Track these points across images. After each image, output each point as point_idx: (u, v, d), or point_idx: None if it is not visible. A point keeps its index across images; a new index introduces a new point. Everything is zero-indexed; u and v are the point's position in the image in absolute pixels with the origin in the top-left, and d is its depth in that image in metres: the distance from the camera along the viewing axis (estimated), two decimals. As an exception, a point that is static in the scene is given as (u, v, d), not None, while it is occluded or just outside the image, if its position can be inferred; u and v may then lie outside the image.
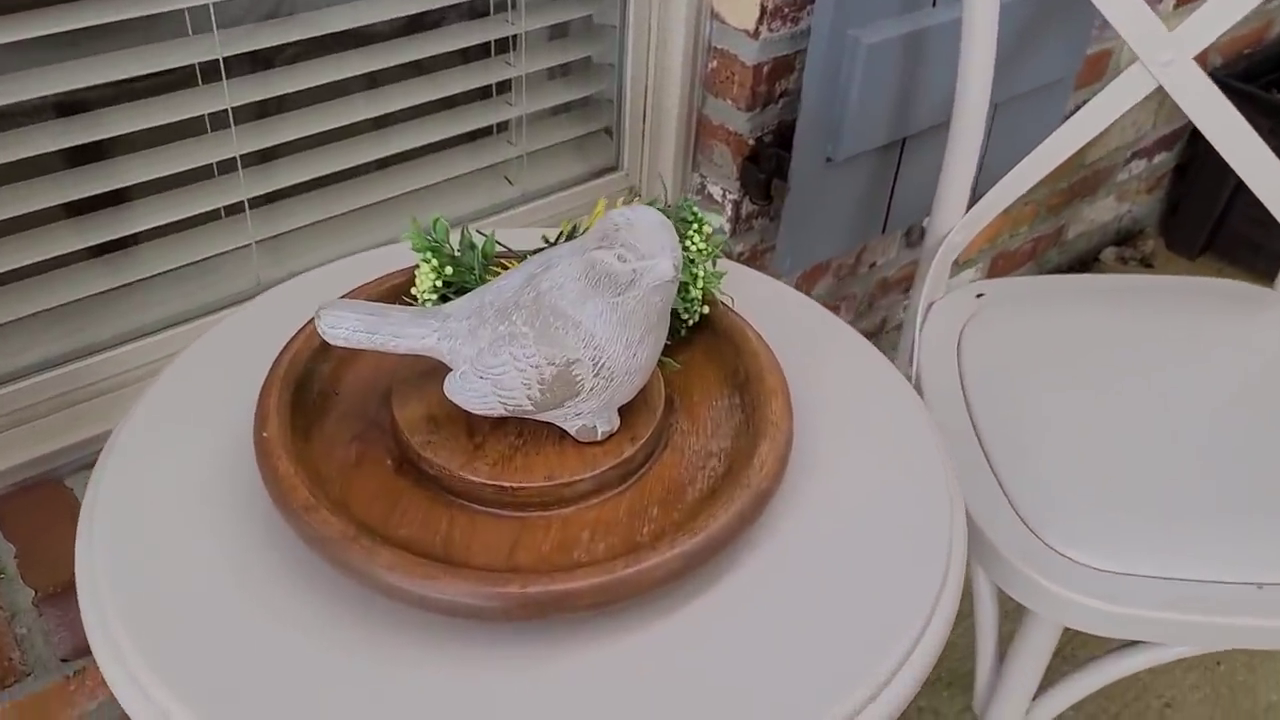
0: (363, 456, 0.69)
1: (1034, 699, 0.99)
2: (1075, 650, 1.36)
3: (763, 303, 0.83)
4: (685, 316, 0.77)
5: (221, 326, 0.82)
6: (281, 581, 0.65)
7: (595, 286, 0.62)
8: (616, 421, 0.68)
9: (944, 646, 0.67)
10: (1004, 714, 0.99)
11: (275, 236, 1.10)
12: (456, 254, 0.76)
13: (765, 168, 1.24)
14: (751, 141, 1.23)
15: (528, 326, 0.64)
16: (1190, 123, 0.96)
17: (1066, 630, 0.91)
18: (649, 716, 0.59)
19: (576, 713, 0.59)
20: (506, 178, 1.25)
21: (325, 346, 0.74)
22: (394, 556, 0.60)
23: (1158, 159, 1.99)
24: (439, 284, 0.75)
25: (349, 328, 0.65)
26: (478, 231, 0.80)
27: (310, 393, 0.72)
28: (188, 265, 1.05)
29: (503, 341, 0.64)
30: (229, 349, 0.80)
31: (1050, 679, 0.99)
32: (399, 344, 0.66)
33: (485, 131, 1.22)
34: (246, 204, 1.05)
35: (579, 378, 0.64)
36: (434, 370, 0.71)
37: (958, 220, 1.07)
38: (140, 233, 1.01)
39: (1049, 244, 1.93)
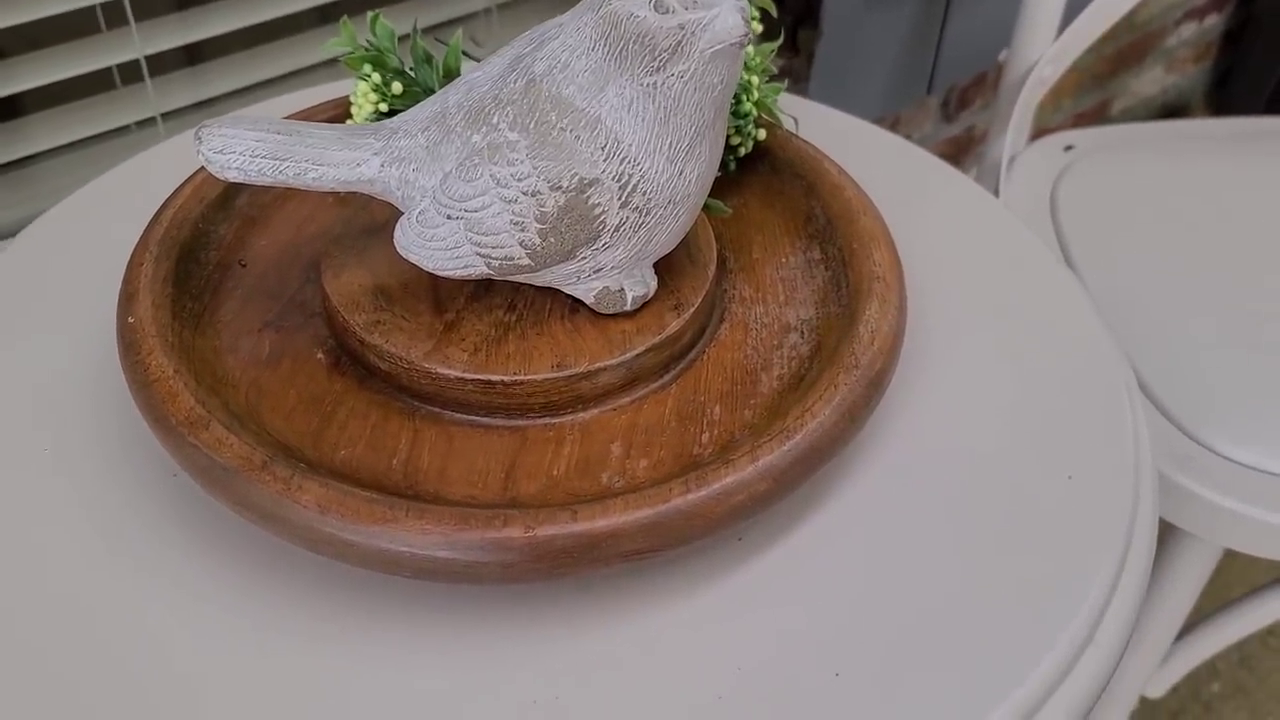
0: (281, 349, 0.47)
1: (1176, 639, 0.78)
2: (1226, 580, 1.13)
3: (830, 137, 0.60)
4: (736, 142, 0.54)
5: (92, 187, 0.59)
6: (164, 537, 0.43)
7: (620, 60, 0.40)
8: (653, 283, 0.47)
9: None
10: (1139, 657, 0.78)
11: (188, 109, 0.87)
12: (408, 70, 0.54)
13: (790, 9, 1.02)
14: (772, -22, 1.01)
15: (517, 132, 0.41)
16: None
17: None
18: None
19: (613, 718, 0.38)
20: (472, 37, 1.04)
21: (224, 202, 0.51)
22: (327, 491, 0.38)
23: (1208, 21, 1.77)
24: (382, 109, 0.53)
25: (245, 153, 0.43)
26: (436, 39, 0.57)
27: (204, 264, 0.50)
28: (80, 145, 0.83)
29: (480, 158, 0.42)
30: (104, 216, 0.57)
31: (1189, 620, 0.79)
32: (322, 175, 0.44)
33: (445, -23, 1.00)
34: (144, 63, 0.82)
35: (599, 209, 0.42)
36: (382, 224, 0.49)
37: (1047, 48, 0.85)
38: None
39: (1091, 121, 1.71)
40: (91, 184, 0.59)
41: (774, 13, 0.57)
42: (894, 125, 1.29)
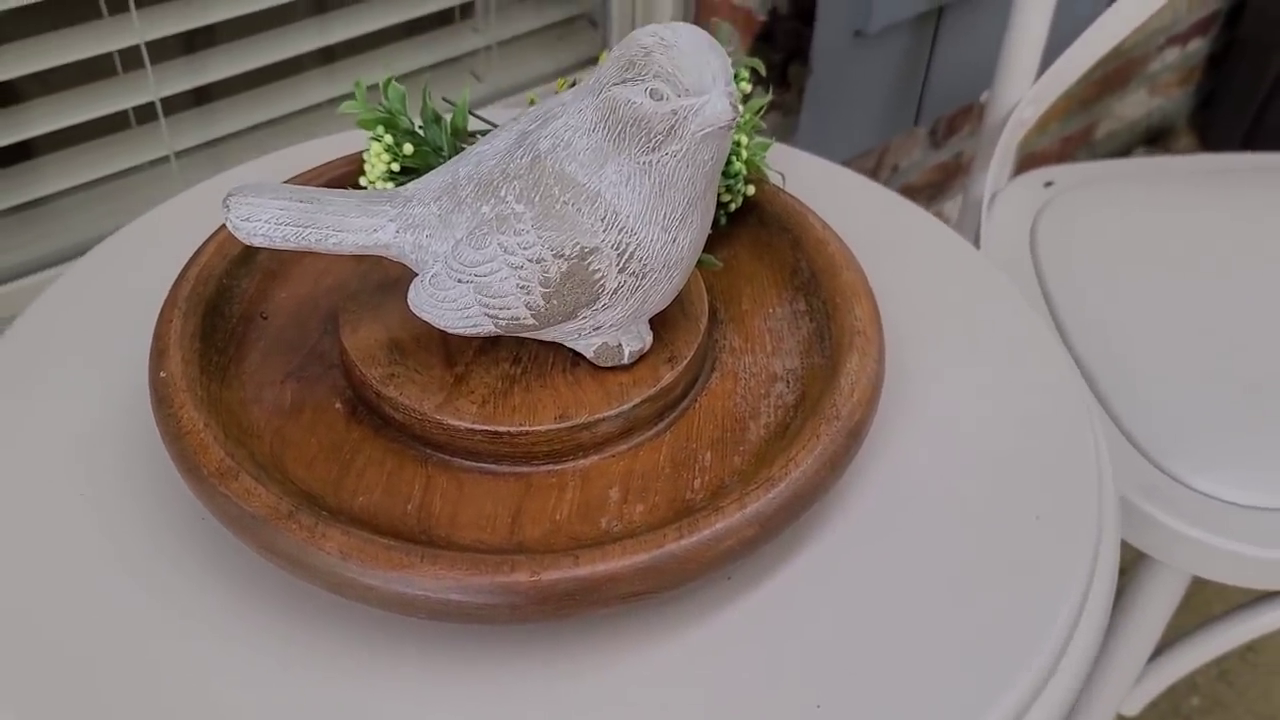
0: (302, 400, 0.50)
1: (1149, 661, 0.82)
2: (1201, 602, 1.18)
3: (811, 187, 0.64)
4: (727, 199, 0.58)
5: (115, 239, 0.63)
6: (193, 578, 0.46)
7: (619, 140, 0.44)
8: (648, 338, 0.50)
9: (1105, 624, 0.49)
10: (1112, 679, 0.82)
11: (198, 147, 0.91)
12: (418, 129, 0.57)
13: (782, 47, 1.05)
14: (764, 16, 1.05)
15: (523, 204, 0.45)
16: (1225, 6, 0.78)
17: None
18: (724, 749, 0.42)
19: (620, 749, 0.42)
20: (473, 73, 1.07)
21: (246, 257, 0.55)
22: (348, 539, 0.42)
23: (1191, 46, 1.81)
24: (394, 168, 0.56)
25: (270, 220, 0.46)
26: (444, 99, 0.61)
27: (227, 318, 0.53)
28: (94, 183, 0.86)
29: (488, 228, 0.45)
30: (125, 268, 0.61)
31: (1167, 636, 0.82)
32: (342, 241, 0.47)
33: (446, 17, 1.04)
34: (159, 105, 0.86)
35: (599, 275, 0.45)
36: (395, 280, 0.52)
37: (1026, 90, 0.88)
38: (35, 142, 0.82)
39: (1077, 144, 1.75)
40: (114, 236, 0.63)
41: (763, 72, 0.61)
42: (883, 153, 1.33)
